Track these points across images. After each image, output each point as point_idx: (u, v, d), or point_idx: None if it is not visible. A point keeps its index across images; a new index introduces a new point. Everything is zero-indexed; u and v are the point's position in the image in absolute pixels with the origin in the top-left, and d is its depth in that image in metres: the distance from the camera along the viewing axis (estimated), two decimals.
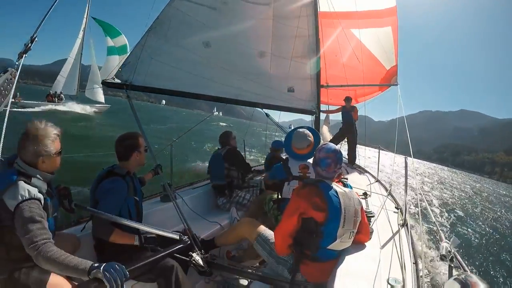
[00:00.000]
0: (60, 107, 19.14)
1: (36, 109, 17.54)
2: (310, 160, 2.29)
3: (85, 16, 20.70)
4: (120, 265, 1.09)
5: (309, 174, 2.22)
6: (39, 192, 1.30)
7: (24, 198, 1.22)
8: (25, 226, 1.16)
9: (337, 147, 1.68)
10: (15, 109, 15.79)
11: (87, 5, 21.18)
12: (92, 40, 20.08)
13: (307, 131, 2.36)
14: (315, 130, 2.47)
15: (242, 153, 3.64)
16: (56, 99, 20.09)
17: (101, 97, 22.07)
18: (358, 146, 6.61)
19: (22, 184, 1.25)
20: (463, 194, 19.04)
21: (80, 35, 20.74)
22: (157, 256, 1.54)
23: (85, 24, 20.57)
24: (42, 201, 1.29)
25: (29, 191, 1.24)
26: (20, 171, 1.30)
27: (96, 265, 1.07)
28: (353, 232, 1.58)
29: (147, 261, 1.46)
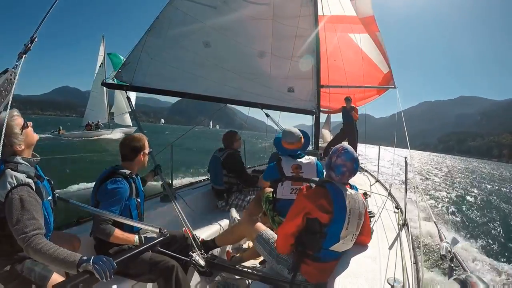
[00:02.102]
0: (97, 135, 21.54)
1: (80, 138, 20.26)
2: (302, 160, 2.32)
3: (101, 53, 23.07)
4: (107, 258, 1.15)
5: (301, 174, 2.25)
6: (28, 177, 1.30)
7: (13, 185, 1.22)
8: (15, 216, 1.17)
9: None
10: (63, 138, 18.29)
11: (102, 41, 23.50)
12: (112, 71, 21.43)
13: (294, 129, 2.40)
14: (305, 131, 2.52)
15: (242, 155, 3.54)
16: (94, 127, 22.37)
17: (128, 121, 24.18)
18: (358, 143, 6.64)
19: (9, 171, 1.26)
20: (467, 187, 18.61)
21: (99, 70, 22.98)
22: (140, 249, 1.55)
23: (104, 61, 22.92)
24: (33, 185, 1.30)
25: (16, 177, 1.25)
26: (5, 161, 1.30)
27: (84, 258, 1.12)
28: (355, 234, 1.58)
29: (132, 253, 1.46)
